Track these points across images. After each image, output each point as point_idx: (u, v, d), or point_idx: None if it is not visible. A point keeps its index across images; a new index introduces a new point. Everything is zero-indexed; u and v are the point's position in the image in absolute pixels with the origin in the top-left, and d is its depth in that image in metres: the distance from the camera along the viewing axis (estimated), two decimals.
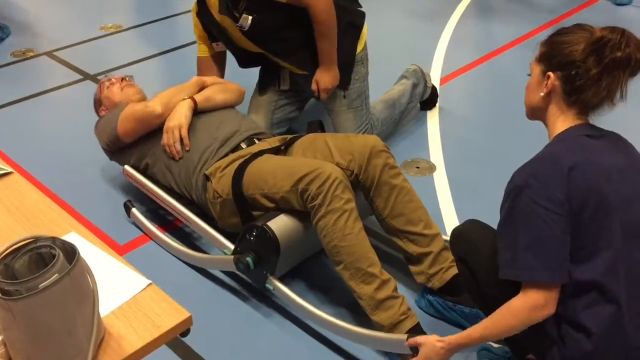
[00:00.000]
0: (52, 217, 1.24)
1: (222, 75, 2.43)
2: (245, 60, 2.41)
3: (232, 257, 1.76)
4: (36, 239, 0.95)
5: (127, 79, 2.26)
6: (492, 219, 2.13)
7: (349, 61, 2.31)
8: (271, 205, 1.75)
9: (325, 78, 2.27)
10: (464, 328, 1.70)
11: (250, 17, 2.14)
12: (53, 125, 2.80)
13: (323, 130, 2.09)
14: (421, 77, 2.70)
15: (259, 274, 1.75)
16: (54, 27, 3.76)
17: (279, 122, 2.44)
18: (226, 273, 1.95)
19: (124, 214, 2.16)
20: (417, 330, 1.61)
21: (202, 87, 2.14)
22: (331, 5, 2.15)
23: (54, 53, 3.40)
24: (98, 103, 2.26)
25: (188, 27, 3.83)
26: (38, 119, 2.84)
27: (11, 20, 3.73)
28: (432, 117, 2.76)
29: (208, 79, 2.20)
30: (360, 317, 1.75)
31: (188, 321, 1.04)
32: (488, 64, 3.24)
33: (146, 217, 2.11)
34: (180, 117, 1.98)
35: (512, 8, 4.01)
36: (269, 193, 1.74)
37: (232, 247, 1.82)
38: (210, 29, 2.32)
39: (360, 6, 2.38)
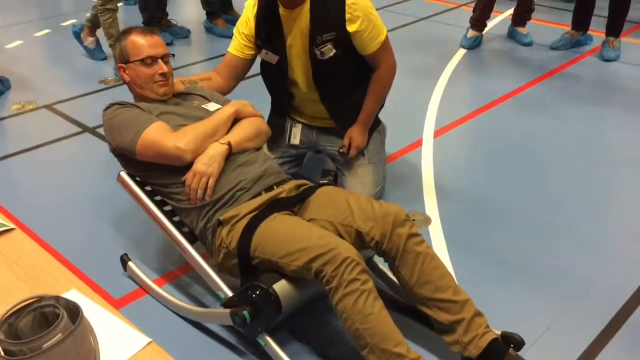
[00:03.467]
0: (53, 274, 1.25)
1: (238, 81, 2.41)
2: (271, 82, 2.41)
3: (229, 310, 1.75)
4: (40, 298, 0.96)
5: (167, 71, 2.04)
6: (488, 273, 2.16)
7: (374, 125, 2.46)
8: (278, 269, 1.71)
9: (359, 137, 2.37)
10: None
11: (334, 50, 2.20)
12: (51, 177, 2.82)
13: (336, 180, 2.11)
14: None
15: (253, 328, 1.73)
16: (54, 80, 3.83)
17: None
18: (224, 327, 1.93)
19: (119, 267, 2.16)
20: None
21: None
22: (394, 75, 2.30)
23: (54, 106, 3.46)
24: (122, 58, 2.05)
25: None
26: (36, 172, 2.87)
27: (12, 73, 3.79)
28: (427, 170, 2.80)
29: (243, 110, 2.04)
30: None
31: None
32: (480, 117, 3.31)
33: (143, 270, 2.11)
34: (213, 164, 1.86)
35: (503, 64, 4.12)
36: (279, 263, 1.68)
37: (227, 291, 1.79)
38: (271, 37, 2.25)
39: None
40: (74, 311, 0.96)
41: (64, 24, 4.87)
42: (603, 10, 4.13)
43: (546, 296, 2.06)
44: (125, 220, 2.45)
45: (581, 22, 4.17)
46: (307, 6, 2.18)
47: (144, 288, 2.09)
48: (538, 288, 2.09)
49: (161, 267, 2.20)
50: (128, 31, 2.08)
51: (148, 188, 2.02)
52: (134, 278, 2.13)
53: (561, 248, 2.29)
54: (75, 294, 1.21)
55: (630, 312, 1.98)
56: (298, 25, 2.21)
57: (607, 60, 4.00)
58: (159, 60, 2.03)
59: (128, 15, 4.75)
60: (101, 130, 3.12)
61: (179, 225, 1.96)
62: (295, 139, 2.48)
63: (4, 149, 3.01)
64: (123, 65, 2.06)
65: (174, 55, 2.11)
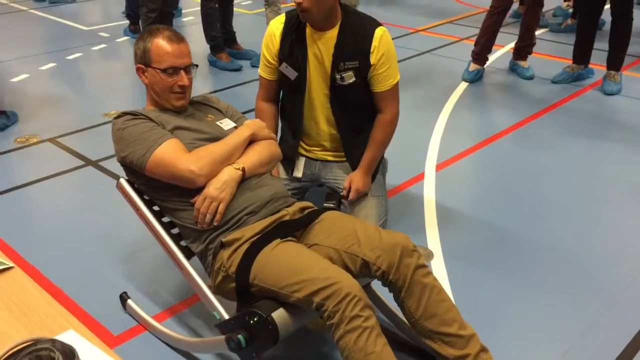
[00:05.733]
0: (51, 314, 1.23)
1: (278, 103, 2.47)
2: (289, 101, 2.42)
3: (224, 336, 1.70)
4: (36, 342, 0.95)
5: (187, 84, 1.95)
6: (492, 309, 2.14)
7: (378, 165, 2.48)
8: (278, 299, 1.68)
9: (360, 182, 2.37)
10: None
11: (354, 78, 2.24)
12: (53, 211, 2.82)
13: (340, 205, 2.09)
14: None
15: (248, 353, 1.69)
16: (58, 113, 3.86)
17: None
18: None
19: (119, 302, 2.15)
20: None
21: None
22: (397, 123, 2.36)
23: (57, 139, 3.47)
24: (142, 60, 1.95)
25: None
26: (39, 205, 2.87)
27: (17, 107, 3.82)
28: (429, 203, 2.80)
29: (259, 133, 1.99)
30: None
31: None
32: (483, 151, 3.31)
33: (142, 307, 2.09)
34: (225, 190, 1.81)
35: (505, 97, 4.14)
36: (280, 293, 1.64)
37: (223, 312, 1.75)
38: (294, 52, 2.27)
39: None
40: (70, 355, 0.95)
41: (69, 57, 4.93)
42: (604, 43, 4.16)
43: (551, 332, 2.03)
44: (127, 255, 2.44)
45: (582, 55, 4.21)
46: (335, 32, 2.23)
47: (144, 325, 2.06)
48: (543, 324, 2.07)
49: (162, 302, 2.18)
50: (155, 32, 1.96)
51: (147, 197, 1.97)
52: (133, 316, 2.10)
53: (566, 282, 2.27)
54: (72, 335, 1.19)
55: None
56: (322, 48, 2.25)
57: (609, 94, 4.02)
58: (181, 71, 1.94)
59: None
60: (104, 164, 3.14)
61: (176, 239, 1.92)
62: (298, 172, 2.48)
63: (7, 182, 3.02)
64: (142, 66, 1.97)
65: (197, 65, 2.02)
